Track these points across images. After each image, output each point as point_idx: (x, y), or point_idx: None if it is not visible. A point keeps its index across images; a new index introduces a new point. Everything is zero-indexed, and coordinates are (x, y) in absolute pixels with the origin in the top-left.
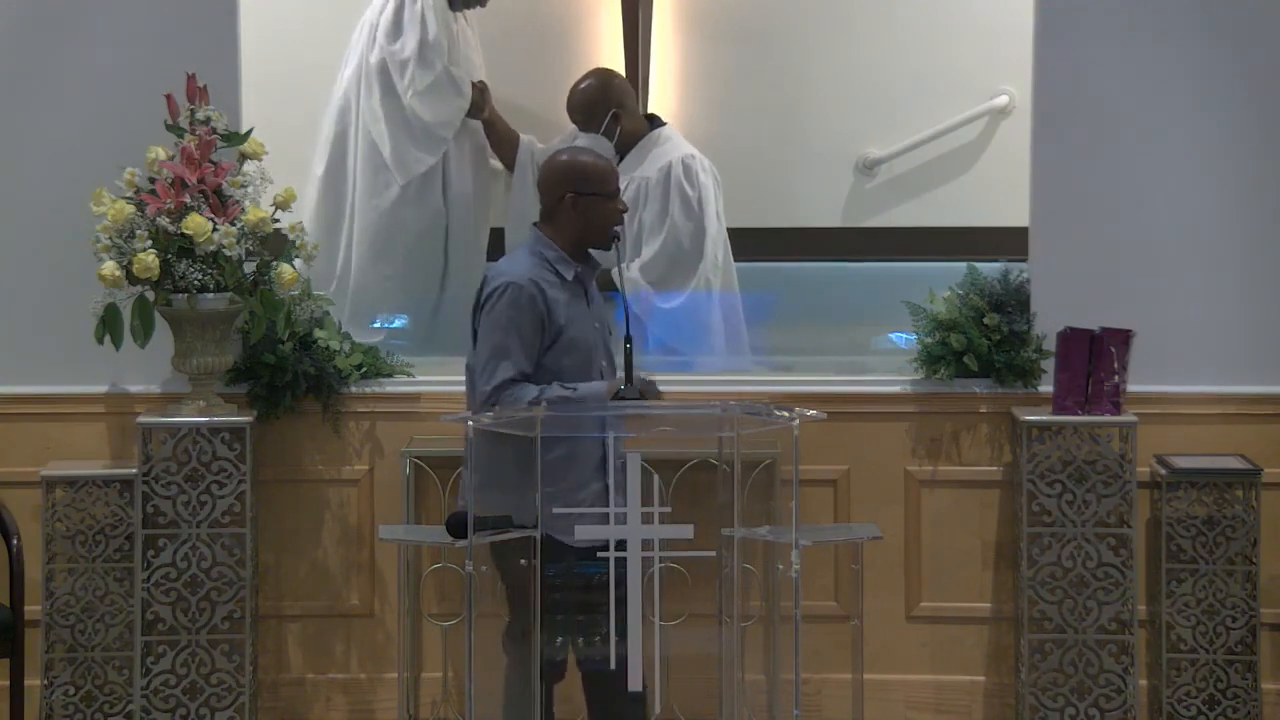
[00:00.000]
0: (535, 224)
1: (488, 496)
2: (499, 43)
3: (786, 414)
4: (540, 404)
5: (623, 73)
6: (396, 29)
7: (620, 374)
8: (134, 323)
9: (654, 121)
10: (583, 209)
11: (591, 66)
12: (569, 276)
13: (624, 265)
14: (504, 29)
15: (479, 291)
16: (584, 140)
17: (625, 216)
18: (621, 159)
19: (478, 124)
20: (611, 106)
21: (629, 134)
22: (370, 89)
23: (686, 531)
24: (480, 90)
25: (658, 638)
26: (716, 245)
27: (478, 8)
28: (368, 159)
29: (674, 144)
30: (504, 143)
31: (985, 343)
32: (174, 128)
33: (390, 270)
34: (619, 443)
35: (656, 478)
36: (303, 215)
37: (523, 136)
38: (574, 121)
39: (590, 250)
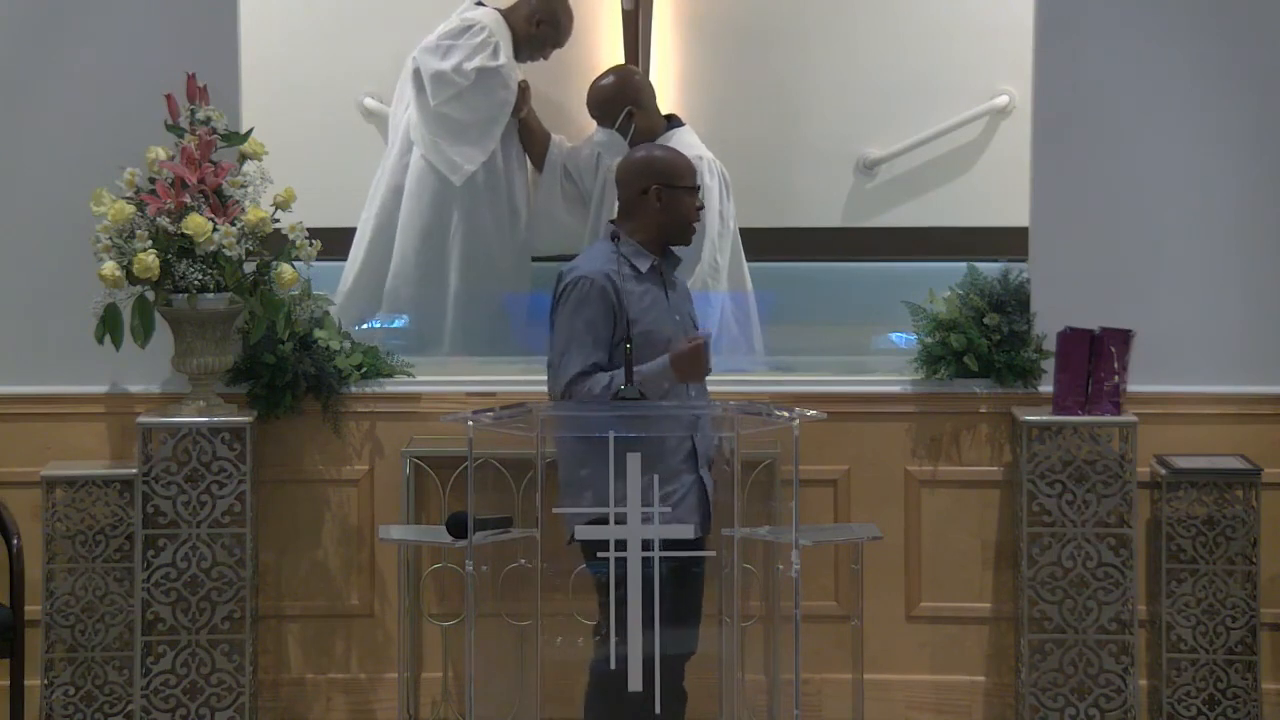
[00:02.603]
0: (611, 221)
1: (582, 494)
2: None
3: (786, 414)
4: (615, 394)
5: None
6: (444, 48)
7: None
8: (134, 323)
9: (672, 121)
10: (666, 202)
11: (591, 67)
12: (644, 269)
13: None
14: None
15: (555, 289)
16: (600, 136)
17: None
18: None
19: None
20: (627, 103)
21: (645, 132)
22: (416, 96)
23: (687, 531)
24: (522, 89)
25: (658, 637)
26: (715, 248)
27: (541, 60)
28: (420, 181)
29: (684, 145)
30: (535, 141)
31: (985, 343)
32: (174, 128)
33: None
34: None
35: (656, 478)
36: (351, 254)
37: (554, 136)
38: (592, 116)
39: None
